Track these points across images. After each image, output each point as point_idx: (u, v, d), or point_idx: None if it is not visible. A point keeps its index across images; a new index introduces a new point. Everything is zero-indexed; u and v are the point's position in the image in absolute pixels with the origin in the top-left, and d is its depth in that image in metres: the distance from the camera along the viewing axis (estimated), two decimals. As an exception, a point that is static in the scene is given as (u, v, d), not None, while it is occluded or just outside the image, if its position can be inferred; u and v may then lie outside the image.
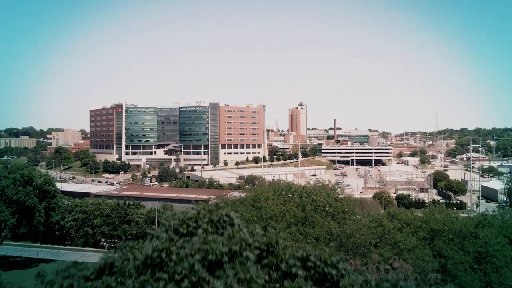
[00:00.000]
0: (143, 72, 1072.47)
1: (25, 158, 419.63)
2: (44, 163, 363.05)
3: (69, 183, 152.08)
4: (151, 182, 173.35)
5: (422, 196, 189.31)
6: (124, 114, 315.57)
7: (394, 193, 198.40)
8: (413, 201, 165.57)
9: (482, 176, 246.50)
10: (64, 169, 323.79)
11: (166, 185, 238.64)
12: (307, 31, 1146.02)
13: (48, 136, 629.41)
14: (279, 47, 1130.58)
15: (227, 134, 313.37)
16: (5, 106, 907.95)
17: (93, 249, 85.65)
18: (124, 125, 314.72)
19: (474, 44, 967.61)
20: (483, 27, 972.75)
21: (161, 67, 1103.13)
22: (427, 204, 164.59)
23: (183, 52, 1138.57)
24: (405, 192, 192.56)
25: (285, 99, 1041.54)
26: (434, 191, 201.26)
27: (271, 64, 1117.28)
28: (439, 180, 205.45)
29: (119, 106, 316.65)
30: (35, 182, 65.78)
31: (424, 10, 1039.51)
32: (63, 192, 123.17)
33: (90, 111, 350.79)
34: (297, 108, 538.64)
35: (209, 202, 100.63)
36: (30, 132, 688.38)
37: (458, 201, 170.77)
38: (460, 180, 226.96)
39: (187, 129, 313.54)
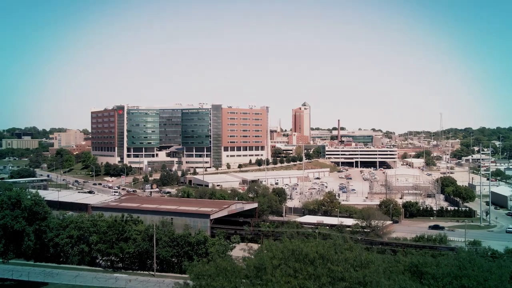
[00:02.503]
0: (145, 73, 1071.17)
1: (26, 159, 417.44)
2: (45, 165, 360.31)
3: (68, 191, 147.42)
4: (151, 188, 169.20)
5: (429, 202, 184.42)
6: (125, 116, 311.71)
7: (401, 198, 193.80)
8: (421, 209, 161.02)
9: (489, 179, 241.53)
10: (65, 172, 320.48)
11: (167, 189, 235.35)
12: (310, 32, 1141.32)
13: (50, 136, 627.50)
14: (282, 48, 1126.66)
15: (230, 136, 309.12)
16: (8, 106, 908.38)
17: (89, 267, 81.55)
18: (125, 127, 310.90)
19: (478, 43, 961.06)
20: (487, 27, 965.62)
21: (164, 68, 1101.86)
22: (435, 212, 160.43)
23: (186, 53, 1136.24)
24: (412, 198, 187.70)
25: (289, 99, 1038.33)
26: (441, 196, 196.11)
27: (274, 64, 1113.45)
28: (446, 186, 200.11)
29: (121, 108, 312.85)
30: (23, 204, 61.75)
31: (428, 11, 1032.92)
32: (60, 203, 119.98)
33: (92, 112, 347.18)
34: (300, 108, 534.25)
35: (211, 216, 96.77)
36: (32, 132, 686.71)
37: (467, 208, 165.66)
38: (468, 184, 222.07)
39: (189, 131, 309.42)
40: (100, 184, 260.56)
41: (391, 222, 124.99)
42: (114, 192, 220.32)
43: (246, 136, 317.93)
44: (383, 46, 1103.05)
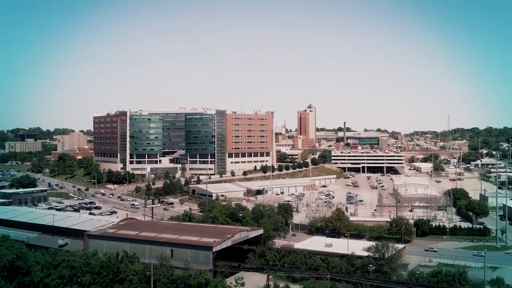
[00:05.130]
0: (149, 77, 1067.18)
1: (29, 163, 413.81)
2: (47, 170, 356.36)
3: (65, 212, 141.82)
4: (153, 203, 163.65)
5: (440, 215, 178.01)
6: (128, 122, 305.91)
7: (410, 211, 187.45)
8: (433, 226, 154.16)
9: (500, 188, 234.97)
10: (67, 178, 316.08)
11: (170, 199, 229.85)
12: (315, 34, 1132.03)
13: (54, 137, 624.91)
14: (286, 49, 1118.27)
15: (234, 142, 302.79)
16: (13, 107, 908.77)
17: (81, 310, 75.88)
18: (128, 133, 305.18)
19: (483, 42, 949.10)
20: (494, 26, 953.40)
21: (167, 72, 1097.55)
22: (447, 230, 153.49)
23: (189, 57, 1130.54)
24: (422, 212, 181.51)
25: (293, 99, 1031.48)
26: (453, 209, 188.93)
27: (280, 66, 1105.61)
28: (458, 198, 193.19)
29: (123, 113, 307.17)
30: (3, 262, 56.02)
31: (434, 11, 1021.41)
32: (56, 228, 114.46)
33: (94, 117, 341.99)
34: (305, 110, 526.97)
35: (213, 248, 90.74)
36: (36, 133, 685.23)
37: (482, 226, 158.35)
38: (479, 195, 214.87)
39: (193, 137, 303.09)
40: (100, 193, 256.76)
41: (403, 246, 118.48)
42: (132, 204, 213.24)
43: (251, 142, 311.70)
44: (387, 45, 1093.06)
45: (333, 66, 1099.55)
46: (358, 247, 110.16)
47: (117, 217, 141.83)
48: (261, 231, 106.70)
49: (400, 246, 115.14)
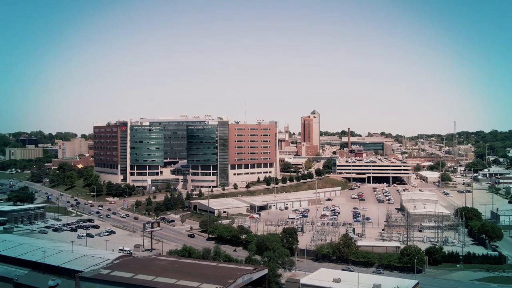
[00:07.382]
0: (151, 80, 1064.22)
1: (29, 172, 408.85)
2: (47, 180, 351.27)
3: (57, 244, 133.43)
4: (152, 227, 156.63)
5: (451, 237, 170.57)
6: (129, 132, 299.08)
7: (420, 230, 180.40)
8: (446, 254, 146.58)
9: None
10: (67, 189, 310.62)
11: (171, 214, 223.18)
12: (317, 38, 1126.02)
13: (56, 141, 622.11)
14: (289, 54, 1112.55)
15: (237, 153, 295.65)
16: (15, 110, 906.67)
17: None
18: (129, 144, 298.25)
19: (488, 45, 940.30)
20: (498, 28, 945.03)
21: (169, 78, 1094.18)
22: (461, 258, 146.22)
23: (192, 62, 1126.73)
24: (432, 232, 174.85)
25: (297, 105, 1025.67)
26: (465, 230, 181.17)
27: (282, 71, 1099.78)
28: (469, 218, 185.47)
29: (124, 124, 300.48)
30: None
31: (440, 15, 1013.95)
32: (46, 266, 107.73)
33: (94, 127, 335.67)
34: (309, 117, 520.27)
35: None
36: (37, 138, 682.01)
37: (497, 252, 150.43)
38: (491, 212, 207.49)
39: (194, 149, 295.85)
40: (93, 206, 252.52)
41: (416, 282, 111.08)
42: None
43: (254, 153, 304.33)
44: (391, 49, 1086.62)
45: (336, 69, 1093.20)
46: (369, 282, 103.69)
47: (112, 250, 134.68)
48: (265, 271, 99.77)
49: (413, 283, 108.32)
